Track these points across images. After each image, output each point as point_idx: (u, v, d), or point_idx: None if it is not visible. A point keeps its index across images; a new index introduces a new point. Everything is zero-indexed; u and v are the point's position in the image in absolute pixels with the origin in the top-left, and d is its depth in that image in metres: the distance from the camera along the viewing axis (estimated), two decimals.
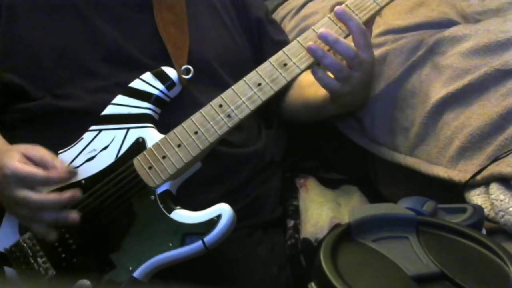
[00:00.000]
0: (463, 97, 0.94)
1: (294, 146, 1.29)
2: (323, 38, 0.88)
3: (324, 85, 0.92)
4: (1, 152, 0.88)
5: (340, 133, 1.12)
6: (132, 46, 0.98)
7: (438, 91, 0.96)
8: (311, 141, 1.25)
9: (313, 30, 0.91)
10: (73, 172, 0.87)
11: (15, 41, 0.98)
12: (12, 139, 0.94)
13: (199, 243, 0.84)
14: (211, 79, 1.00)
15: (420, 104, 0.98)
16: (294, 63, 0.89)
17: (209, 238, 0.84)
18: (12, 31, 0.98)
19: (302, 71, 0.90)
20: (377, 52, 1.06)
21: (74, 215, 0.86)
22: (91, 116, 0.93)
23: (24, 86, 0.96)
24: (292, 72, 0.89)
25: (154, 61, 0.96)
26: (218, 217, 0.84)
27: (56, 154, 0.92)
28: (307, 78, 1.05)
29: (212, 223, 0.84)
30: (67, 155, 0.92)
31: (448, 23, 1.05)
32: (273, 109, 1.13)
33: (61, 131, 0.94)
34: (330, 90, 0.93)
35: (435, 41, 1.01)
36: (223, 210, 0.85)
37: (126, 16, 1.01)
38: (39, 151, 0.88)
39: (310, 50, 0.88)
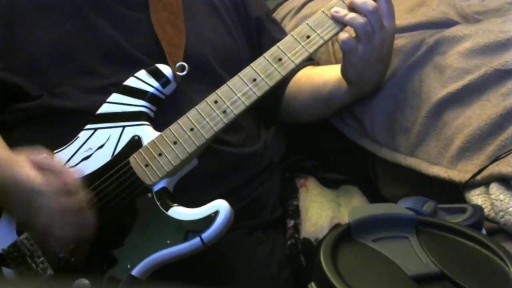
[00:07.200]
0: (463, 97, 0.94)
1: (294, 146, 1.29)
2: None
3: (345, 45, 0.92)
4: (8, 162, 0.87)
5: (340, 133, 1.11)
6: (129, 44, 0.98)
7: (438, 91, 0.96)
8: (311, 141, 1.25)
9: (307, 24, 0.91)
10: (79, 175, 0.87)
11: (13, 39, 0.98)
12: (9, 140, 0.94)
13: (197, 239, 0.84)
14: (208, 77, 1.00)
15: (420, 104, 0.98)
16: (289, 57, 0.90)
17: (207, 234, 0.84)
18: (11, 29, 0.98)
19: (297, 66, 0.90)
20: None
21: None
22: (87, 116, 0.93)
23: (22, 85, 0.96)
24: (287, 66, 0.90)
25: (151, 60, 0.96)
26: (216, 213, 0.84)
27: (52, 153, 0.92)
28: (314, 70, 1.08)
29: (209, 219, 0.84)
30: (63, 155, 0.92)
31: (448, 23, 1.05)
32: (272, 108, 1.12)
33: (57, 131, 0.94)
34: (350, 50, 0.92)
35: (435, 41, 1.01)
36: (221, 206, 0.85)
37: (123, 14, 1.01)
38: (47, 158, 0.87)
39: (335, 12, 0.91)
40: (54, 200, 0.83)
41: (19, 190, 0.84)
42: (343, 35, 0.92)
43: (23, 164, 0.85)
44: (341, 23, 0.92)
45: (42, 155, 0.88)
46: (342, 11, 0.91)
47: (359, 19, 0.90)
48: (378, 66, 0.97)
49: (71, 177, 0.85)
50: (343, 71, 0.98)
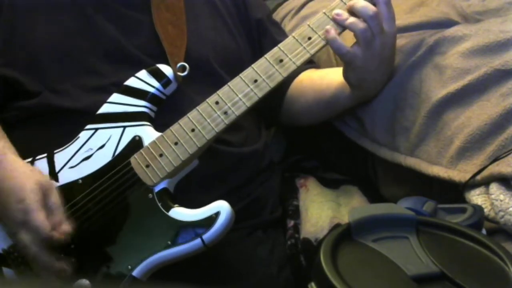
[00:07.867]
0: (463, 97, 0.94)
1: (294, 146, 1.29)
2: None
3: (343, 52, 0.91)
4: (23, 177, 0.87)
5: (340, 133, 1.12)
6: (131, 44, 0.98)
7: (438, 91, 0.96)
8: (311, 141, 1.25)
9: (308, 25, 0.91)
10: (67, 237, 0.85)
11: (14, 38, 0.98)
12: (10, 140, 0.94)
13: (198, 240, 0.84)
14: (209, 77, 1.00)
15: (420, 104, 0.98)
16: (290, 59, 0.90)
17: (207, 235, 0.84)
18: (12, 28, 0.99)
19: (298, 67, 0.91)
20: None
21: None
22: (87, 116, 0.93)
23: (22, 81, 0.96)
24: (288, 68, 0.90)
25: (151, 60, 0.96)
26: (217, 214, 0.84)
27: (53, 153, 0.92)
28: (317, 73, 1.08)
29: (210, 220, 0.84)
30: (63, 155, 0.92)
31: (448, 23, 1.05)
32: (273, 109, 1.12)
33: (58, 130, 0.94)
34: (350, 56, 0.92)
35: (435, 41, 1.01)
36: (222, 207, 0.85)
37: (125, 14, 1.01)
38: (56, 200, 0.86)
39: (336, 15, 0.91)
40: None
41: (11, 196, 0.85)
42: (335, 42, 0.90)
43: (33, 189, 0.84)
44: (342, 26, 0.92)
45: (54, 194, 0.87)
46: (343, 14, 0.91)
47: (359, 24, 0.90)
48: (380, 69, 0.97)
49: (60, 235, 0.84)
50: (345, 75, 0.98)
